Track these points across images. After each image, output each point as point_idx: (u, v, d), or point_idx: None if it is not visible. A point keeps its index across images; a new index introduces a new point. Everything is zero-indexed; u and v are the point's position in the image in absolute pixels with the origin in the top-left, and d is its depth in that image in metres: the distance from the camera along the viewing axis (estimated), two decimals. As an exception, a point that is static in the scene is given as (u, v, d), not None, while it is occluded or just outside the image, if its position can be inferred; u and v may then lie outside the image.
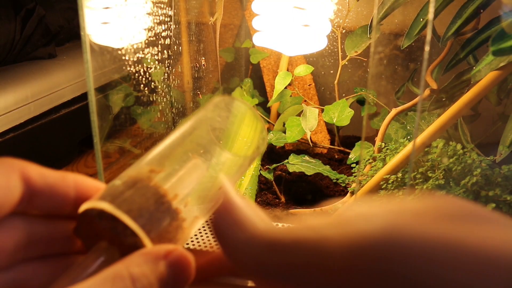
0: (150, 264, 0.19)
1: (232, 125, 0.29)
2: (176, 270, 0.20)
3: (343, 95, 0.87)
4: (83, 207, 0.21)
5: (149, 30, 0.58)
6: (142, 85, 0.57)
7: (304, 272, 0.17)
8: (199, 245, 0.51)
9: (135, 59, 0.54)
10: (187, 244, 0.51)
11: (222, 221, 0.21)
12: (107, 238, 0.20)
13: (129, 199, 0.20)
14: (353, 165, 0.72)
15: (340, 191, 0.73)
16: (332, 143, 0.88)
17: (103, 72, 0.48)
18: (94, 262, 0.19)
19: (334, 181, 0.72)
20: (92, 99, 0.45)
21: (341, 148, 0.84)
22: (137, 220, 0.20)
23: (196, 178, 0.24)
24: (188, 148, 0.24)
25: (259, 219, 0.21)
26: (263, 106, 0.92)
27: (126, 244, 0.20)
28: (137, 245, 0.20)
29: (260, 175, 0.75)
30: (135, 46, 0.54)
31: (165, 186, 0.22)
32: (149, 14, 0.58)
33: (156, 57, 0.59)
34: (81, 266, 0.19)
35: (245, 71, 0.96)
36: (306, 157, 0.72)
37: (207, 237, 0.53)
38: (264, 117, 0.89)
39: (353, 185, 0.68)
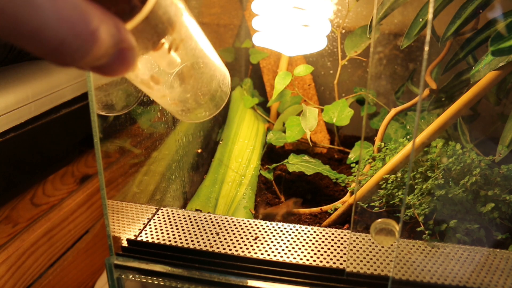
0: (116, 29, 0.20)
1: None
2: (122, 54, 0.21)
3: (343, 95, 0.87)
4: None
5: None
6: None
7: None
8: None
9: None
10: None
11: None
12: None
13: None
14: (353, 164, 0.72)
15: (339, 191, 0.73)
16: (332, 143, 0.88)
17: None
18: None
19: (334, 180, 0.72)
20: (93, 99, 0.45)
21: (341, 148, 0.84)
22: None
23: None
24: None
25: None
26: (263, 106, 0.92)
27: None
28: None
29: (260, 175, 0.75)
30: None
31: None
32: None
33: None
34: None
35: (245, 71, 0.97)
36: (306, 157, 0.72)
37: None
38: (264, 116, 0.90)
39: (353, 184, 0.68)
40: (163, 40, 0.24)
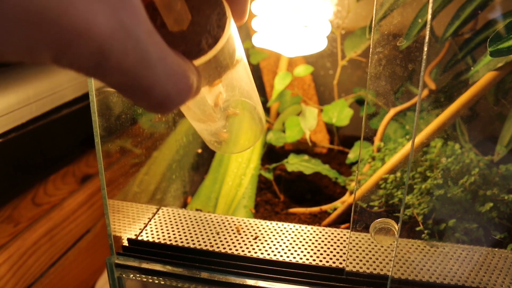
0: (198, 76, 0.22)
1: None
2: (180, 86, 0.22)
3: (342, 95, 0.87)
4: None
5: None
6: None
7: None
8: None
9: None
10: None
11: None
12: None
13: None
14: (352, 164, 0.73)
15: (339, 191, 0.74)
16: (331, 142, 0.88)
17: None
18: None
19: (334, 180, 0.72)
20: (93, 99, 0.46)
21: (340, 148, 0.84)
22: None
23: None
24: None
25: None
26: (263, 106, 0.92)
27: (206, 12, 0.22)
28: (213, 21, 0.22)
29: (260, 175, 0.76)
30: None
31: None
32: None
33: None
34: None
35: (245, 71, 0.97)
36: (305, 157, 0.73)
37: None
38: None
39: (352, 184, 0.68)
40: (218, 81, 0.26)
